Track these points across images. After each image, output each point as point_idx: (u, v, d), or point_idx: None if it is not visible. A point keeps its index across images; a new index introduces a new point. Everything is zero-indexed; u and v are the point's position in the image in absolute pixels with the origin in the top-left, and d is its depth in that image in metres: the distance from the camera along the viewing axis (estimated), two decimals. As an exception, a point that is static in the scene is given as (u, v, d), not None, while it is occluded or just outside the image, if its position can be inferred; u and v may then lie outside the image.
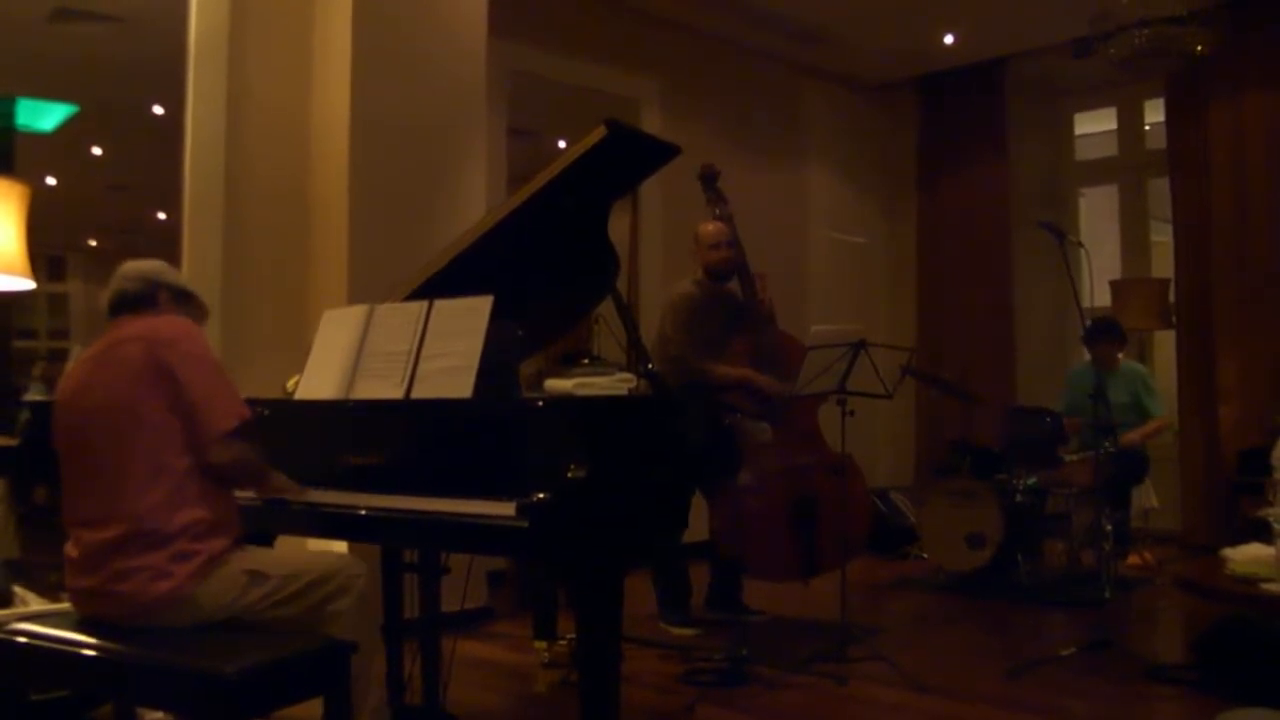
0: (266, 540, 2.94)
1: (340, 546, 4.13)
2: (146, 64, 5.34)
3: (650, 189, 6.33)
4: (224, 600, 2.31)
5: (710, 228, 4.64)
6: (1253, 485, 5.62)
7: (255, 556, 2.43)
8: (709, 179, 4.64)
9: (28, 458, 3.52)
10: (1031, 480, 5.47)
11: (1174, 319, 6.88)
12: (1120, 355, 5.83)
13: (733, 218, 4.61)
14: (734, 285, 4.69)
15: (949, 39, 7.29)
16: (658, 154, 2.98)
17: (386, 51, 4.51)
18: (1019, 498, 5.40)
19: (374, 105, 4.45)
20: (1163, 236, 7.59)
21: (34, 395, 5.13)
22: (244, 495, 2.59)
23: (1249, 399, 6.43)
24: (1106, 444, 4.70)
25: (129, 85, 5.92)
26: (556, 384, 2.64)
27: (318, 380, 2.76)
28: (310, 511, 2.55)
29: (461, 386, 2.42)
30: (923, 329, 8.01)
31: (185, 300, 2.60)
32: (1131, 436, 5.51)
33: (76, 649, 2.23)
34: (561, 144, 7.25)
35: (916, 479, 7.68)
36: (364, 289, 3.94)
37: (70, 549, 2.35)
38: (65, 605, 2.56)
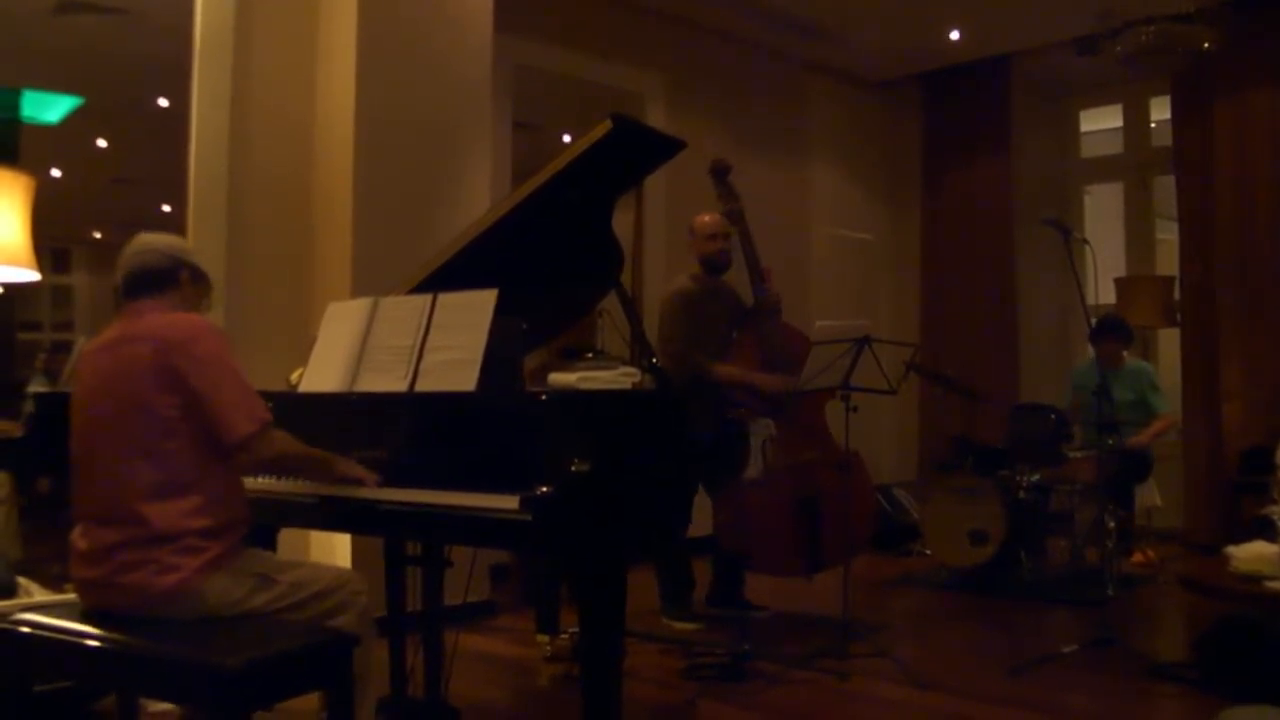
0: (267, 536, 2.95)
1: (343, 539, 4.16)
2: (151, 57, 5.34)
3: (655, 183, 6.32)
4: (230, 598, 2.31)
5: (706, 218, 4.62)
6: (1256, 484, 5.61)
7: (265, 560, 2.43)
8: (720, 173, 4.62)
9: (32, 449, 3.52)
10: (1035, 477, 5.46)
11: (1178, 317, 6.87)
12: (1125, 353, 5.82)
13: (743, 213, 4.60)
14: (731, 278, 4.69)
15: (955, 35, 7.27)
16: (663, 148, 2.98)
17: (391, 46, 4.51)
18: (1022, 495, 5.40)
19: (378, 99, 4.45)
20: (1168, 234, 7.58)
21: (36, 386, 5.13)
22: (256, 487, 2.59)
23: (1253, 397, 6.42)
24: (1110, 441, 4.69)
25: (134, 78, 5.91)
26: (560, 378, 2.64)
27: (322, 373, 2.76)
28: (314, 504, 2.55)
29: (465, 380, 2.42)
30: (926, 325, 8.00)
31: (200, 280, 2.56)
32: (1140, 439, 5.51)
33: (80, 640, 2.23)
34: (566, 138, 7.25)
35: (920, 475, 7.68)
36: (368, 282, 3.93)
37: (78, 539, 2.35)
38: (69, 596, 2.56)
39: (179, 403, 2.27)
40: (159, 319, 2.37)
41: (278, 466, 2.48)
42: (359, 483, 2.47)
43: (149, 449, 2.26)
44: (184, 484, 2.28)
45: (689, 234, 4.69)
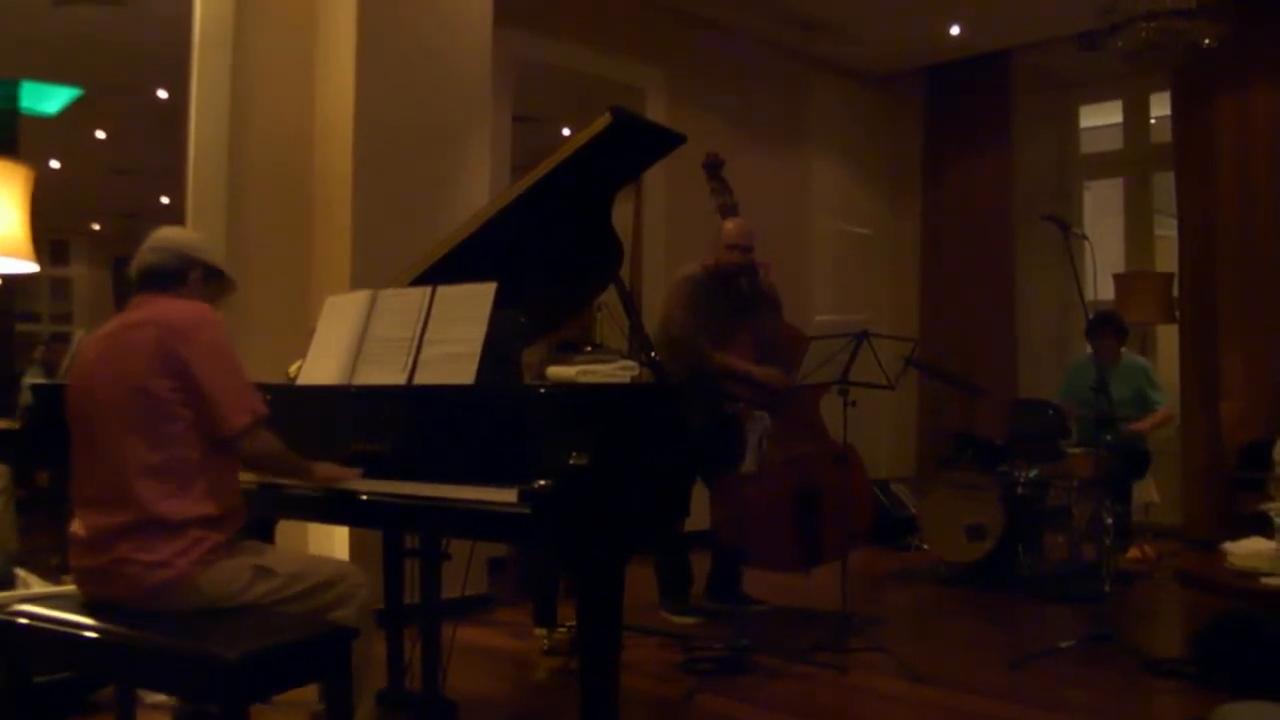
0: (265, 529, 2.95)
1: (342, 532, 4.16)
2: (151, 48, 5.33)
3: (654, 177, 6.31)
4: (228, 590, 2.30)
5: (729, 225, 4.55)
6: (1254, 480, 5.63)
7: (263, 552, 2.43)
8: (713, 167, 4.61)
9: (30, 441, 3.52)
10: (1033, 472, 5.46)
11: (1177, 313, 6.87)
12: (1122, 349, 5.82)
13: (737, 207, 4.59)
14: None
15: (955, 30, 7.27)
16: (662, 142, 2.98)
17: (391, 37, 4.50)
18: (1020, 490, 5.40)
19: (378, 92, 4.44)
20: (1167, 230, 7.58)
21: (33, 378, 5.13)
22: (245, 479, 2.59)
23: (1251, 394, 6.43)
24: (1107, 437, 4.70)
25: (133, 69, 5.91)
26: (559, 371, 2.64)
27: (320, 365, 2.76)
28: (312, 496, 2.55)
29: (464, 373, 2.42)
30: (925, 320, 8.00)
31: (216, 278, 2.58)
32: (1140, 426, 5.51)
33: (78, 631, 2.23)
34: (566, 131, 7.24)
35: (918, 470, 7.68)
36: (367, 274, 3.93)
37: (77, 528, 2.35)
38: (67, 588, 2.56)
39: (177, 386, 2.28)
40: (164, 304, 2.41)
41: (259, 465, 2.47)
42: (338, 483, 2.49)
43: (148, 430, 2.27)
44: (182, 468, 2.28)
45: (716, 231, 4.62)
